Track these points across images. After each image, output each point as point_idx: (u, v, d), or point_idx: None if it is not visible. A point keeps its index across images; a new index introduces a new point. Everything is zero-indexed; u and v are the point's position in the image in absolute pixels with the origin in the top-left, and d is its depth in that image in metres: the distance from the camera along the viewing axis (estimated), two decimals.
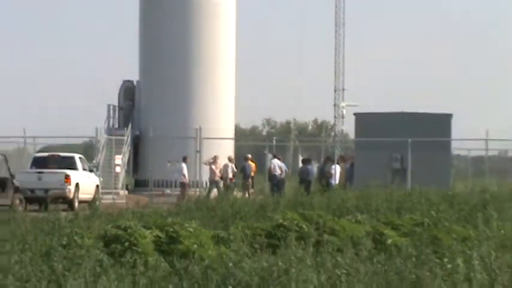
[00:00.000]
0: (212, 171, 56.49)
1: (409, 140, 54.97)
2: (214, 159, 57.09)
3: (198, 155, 57.86)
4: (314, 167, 59.00)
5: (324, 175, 57.55)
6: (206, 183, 55.69)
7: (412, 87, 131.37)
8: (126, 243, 19.38)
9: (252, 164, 57.92)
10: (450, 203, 29.90)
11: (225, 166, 57.15)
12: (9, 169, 49.97)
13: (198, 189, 54.25)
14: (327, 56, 66.72)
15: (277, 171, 57.25)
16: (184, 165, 56.53)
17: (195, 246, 19.62)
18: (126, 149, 58.55)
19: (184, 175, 55.78)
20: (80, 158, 51.47)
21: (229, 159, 58.83)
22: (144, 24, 66.39)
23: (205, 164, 57.05)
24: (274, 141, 72.56)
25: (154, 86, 62.75)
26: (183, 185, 54.80)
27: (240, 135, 63.76)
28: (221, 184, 55.80)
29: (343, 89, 67.86)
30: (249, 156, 59.26)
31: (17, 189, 46.12)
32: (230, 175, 57.30)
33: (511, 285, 12.46)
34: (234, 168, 58.24)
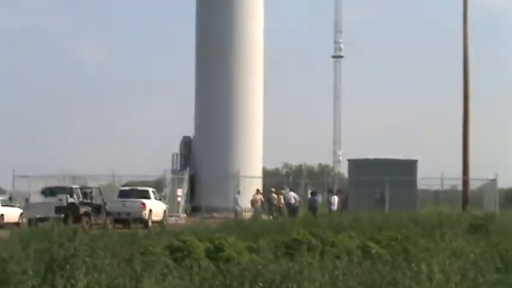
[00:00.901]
0: (256, 202, 56.07)
1: (387, 178, 54.94)
2: (256, 196, 57.00)
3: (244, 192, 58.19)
4: (319, 198, 58.75)
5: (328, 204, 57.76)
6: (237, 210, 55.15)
7: (390, 139, 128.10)
8: (185, 252, 19.44)
9: (275, 195, 57.70)
10: (416, 223, 29.74)
11: (255, 197, 56.91)
12: (103, 199, 50.05)
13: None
14: (328, 117, 65.60)
15: (293, 201, 56.83)
16: (238, 196, 56.36)
17: (234, 253, 19.64)
18: (185, 184, 58.46)
19: (238, 204, 55.40)
20: (152, 191, 51.45)
21: (258, 192, 58.66)
22: (198, 93, 65.34)
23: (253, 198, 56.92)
24: (290, 178, 72.29)
25: (205, 138, 62.62)
26: (236, 211, 54.38)
27: (266, 174, 63.34)
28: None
29: (340, 141, 67.44)
30: (273, 189, 59.03)
31: (108, 213, 46.27)
32: (259, 203, 57.03)
33: (461, 284, 12.40)
34: (262, 198, 57.94)
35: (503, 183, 67.18)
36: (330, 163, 67.82)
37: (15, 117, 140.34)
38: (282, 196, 58.57)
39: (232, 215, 50.96)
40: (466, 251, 19.34)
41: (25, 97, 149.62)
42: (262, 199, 57.89)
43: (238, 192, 57.75)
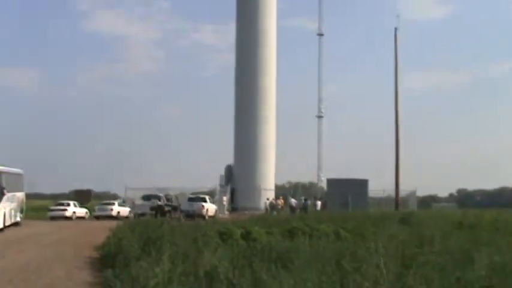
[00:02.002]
0: (271, 204, 55.77)
1: (350, 190, 54.79)
2: (271, 201, 56.94)
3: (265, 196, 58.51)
4: (308, 202, 58.55)
5: (313, 205, 57.73)
6: (266, 209, 54.85)
7: (352, 166, 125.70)
8: (228, 235, 19.49)
9: (282, 201, 57.47)
10: (367, 218, 29.58)
11: (271, 202, 56.71)
12: (178, 202, 50.20)
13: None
14: (314, 152, 65.28)
15: (293, 204, 56.69)
16: (267, 201, 56.29)
17: (258, 236, 19.67)
18: (228, 194, 58.18)
19: (266, 206, 54.93)
20: (208, 197, 51.34)
21: (277, 198, 58.52)
22: (237, 129, 64.00)
23: (269, 201, 56.81)
24: (291, 191, 72.02)
25: (239, 166, 62.17)
26: (266, 210, 54.01)
27: (276, 187, 63.03)
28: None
29: (322, 167, 67.11)
30: (281, 197, 58.91)
31: (181, 211, 46.21)
32: (279, 206, 56.75)
33: (395, 254, 12.41)
34: (283, 202, 57.67)
35: (419, 193, 67.60)
36: (315, 181, 66.84)
37: (119, 147, 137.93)
38: (284, 201, 58.63)
39: (255, 212, 50.72)
40: (397, 234, 19.33)
41: (129, 135, 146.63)
42: (283, 202, 57.63)
43: (267, 199, 57.62)
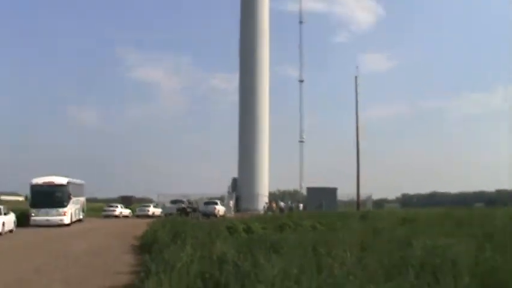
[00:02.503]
0: (267, 206, 55.16)
1: (323, 195, 54.56)
2: (266, 204, 56.56)
3: (261, 201, 57.90)
4: (293, 205, 58.29)
5: (297, 207, 57.46)
6: (265, 210, 54.31)
7: (325, 177, 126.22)
8: (234, 229, 19.40)
9: (275, 204, 56.87)
10: (337, 216, 29.48)
11: (266, 204, 56.13)
12: (197, 205, 50.01)
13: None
14: (296, 166, 65.00)
15: (282, 206, 56.28)
16: (266, 205, 55.57)
17: (256, 229, 19.60)
18: (234, 198, 57.50)
19: (264, 208, 54.40)
20: (219, 201, 51.03)
21: (272, 202, 57.45)
22: (240, 150, 62.47)
23: (268, 205, 56.45)
24: (281, 196, 71.55)
25: (242, 177, 61.17)
26: (265, 211, 53.30)
27: (270, 193, 62.70)
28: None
29: (303, 178, 66.47)
30: (273, 201, 58.31)
31: (199, 212, 45.82)
32: (274, 207, 56.05)
33: (356, 242, 12.40)
34: (275, 205, 57.00)
35: (374, 196, 67.30)
36: (298, 189, 66.68)
37: (154, 164, 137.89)
38: (276, 204, 58.05)
39: (255, 212, 50.33)
40: (358, 227, 19.31)
41: (161, 155, 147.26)
42: (275, 205, 57.06)
43: (266, 203, 57.08)
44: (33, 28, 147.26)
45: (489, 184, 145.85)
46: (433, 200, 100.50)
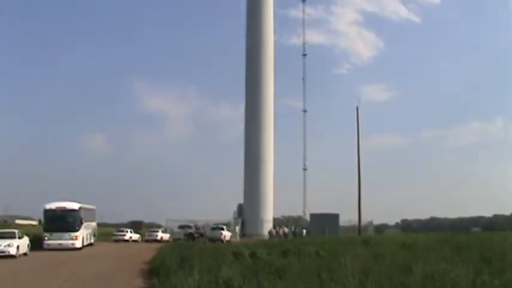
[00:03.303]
0: (270, 232, 54.51)
1: (326, 221, 54.04)
2: (271, 229, 55.96)
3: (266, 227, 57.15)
4: (297, 230, 57.81)
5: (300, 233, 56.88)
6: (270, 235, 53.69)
7: (328, 204, 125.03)
8: (239, 254, 19.24)
9: (279, 229, 56.32)
10: (339, 241, 29.23)
11: (271, 230, 55.72)
12: (204, 230, 49.64)
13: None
14: (301, 194, 63.84)
15: (286, 232, 55.47)
16: (273, 230, 54.40)
17: (260, 255, 19.42)
18: (239, 224, 57.06)
19: (269, 233, 53.68)
20: (225, 226, 50.51)
21: (276, 227, 56.80)
22: (245, 178, 61.75)
23: (275, 230, 55.82)
24: (285, 222, 70.85)
25: (247, 204, 60.54)
26: (270, 236, 52.75)
27: (274, 219, 62.11)
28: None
29: (306, 205, 65.52)
30: (277, 226, 57.52)
31: (206, 237, 45.28)
32: (280, 232, 55.25)
33: (357, 267, 12.30)
34: (279, 230, 56.15)
35: (375, 222, 66.52)
36: (302, 215, 66.18)
37: (163, 191, 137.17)
38: (281, 229, 57.52)
39: (260, 238, 49.69)
40: (360, 252, 19.13)
41: (170, 183, 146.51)
42: (281, 230, 56.49)
43: (274, 228, 56.39)
44: (43, 56, 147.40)
45: (486, 209, 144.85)
46: (432, 225, 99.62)
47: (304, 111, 67.34)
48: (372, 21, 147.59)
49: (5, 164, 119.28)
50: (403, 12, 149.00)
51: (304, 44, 69.12)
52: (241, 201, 62.04)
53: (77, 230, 32.16)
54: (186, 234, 45.41)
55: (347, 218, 60.55)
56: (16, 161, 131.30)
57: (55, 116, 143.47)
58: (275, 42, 64.79)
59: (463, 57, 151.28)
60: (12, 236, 26.45)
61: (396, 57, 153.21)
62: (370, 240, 30.56)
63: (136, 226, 64.37)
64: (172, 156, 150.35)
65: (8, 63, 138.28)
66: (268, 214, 61.10)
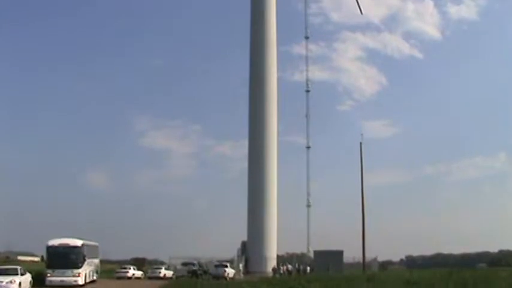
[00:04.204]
0: (273, 269, 53.81)
1: (330, 258, 53.57)
2: (274, 266, 55.30)
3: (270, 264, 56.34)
4: (301, 267, 57.11)
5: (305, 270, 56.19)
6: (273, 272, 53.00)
7: (331, 240, 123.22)
8: None
9: (283, 266, 55.72)
10: (344, 278, 28.87)
11: (274, 267, 54.98)
12: (208, 267, 49.23)
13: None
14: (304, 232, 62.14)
15: (290, 269, 54.99)
16: (282, 267, 54.37)
17: None
18: (243, 261, 56.08)
19: (273, 271, 53.16)
20: (229, 264, 50.05)
21: (281, 264, 56.45)
22: (249, 215, 60.51)
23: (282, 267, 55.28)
24: (289, 259, 70.00)
25: (251, 242, 59.32)
26: (274, 274, 52.09)
27: (278, 257, 61.30)
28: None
29: (309, 242, 64.39)
30: (281, 264, 57.06)
31: (210, 274, 44.89)
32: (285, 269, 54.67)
33: None
34: (284, 268, 55.61)
35: (379, 258, 65.90)
36: (306, 251, 65.36)
37: (166, 228, 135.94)
38: (285, 266, 56.80)
39: (264, 275, 48.94)
40: None
41: (173, 220, 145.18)
42: (285, 268, 55.67)
43: (282, 265, 55.69)
44: (43, 92, 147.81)
45: (492, 245, 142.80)
46: (437, 261, 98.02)
47: (308, 147, 67.41)
48: (375, 58, 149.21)
49: (7, 200, 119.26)
50: (406, 48, 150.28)
51: (307, 80, 69.72)
52: (245, 239, 61.39)
53: (80, 267, 31.85)
54: (189, 272, 44.91)
55: (351, 254, 59.79)
56: (18, 196, 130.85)
57: (56, 152, 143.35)
58: (278, 78, 65.41)
59: (464, 93, 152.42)
60: (14, 273, 26.38)
61: (399, 92, 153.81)
62: (375, 277, 30.05)
63: (139, 263, 63.47)
64: (175, 193, 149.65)
65: (8, 99, 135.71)
66: (272, 251, 60.31)
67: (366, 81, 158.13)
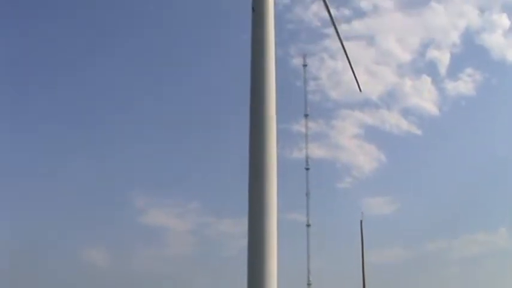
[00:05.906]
0: None
1: None
2: None
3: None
4: None
5: None
6: None
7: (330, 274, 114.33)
8: None
9: None
10: None
11: None
12: None
13: None
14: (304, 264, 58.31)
15: None
16: None
17: None
18: None
19: None
20: None
21: None
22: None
23: None
24: None
25: None
26: None
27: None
28: None
29: (309, 272, 59.86)
30: None
31: None
32: None
33: None
34: None
35: None
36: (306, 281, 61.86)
37: None
38: None
39: None
40: None
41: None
42: None
43: None
44: (41, 169, 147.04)
45: None
46: None
47: (308, 225, 66.51)
48: (373, 134, 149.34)
49: (5, 271, 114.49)
50: (404, 124, 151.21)
51: (307, 158, 69.88)
52: None
53: None
54: None
55: None
56: (16, 268, 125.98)
57: (55, 227, 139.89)
58: (278, 155, 65.36)
59: (463, 168, 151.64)
60: None
61: (398, 169, 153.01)
62: None
63: None
64: (173, 271, 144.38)
65: (6, 179, 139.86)
66: (271, 281, 57.41)
67: (364, 157, 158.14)
